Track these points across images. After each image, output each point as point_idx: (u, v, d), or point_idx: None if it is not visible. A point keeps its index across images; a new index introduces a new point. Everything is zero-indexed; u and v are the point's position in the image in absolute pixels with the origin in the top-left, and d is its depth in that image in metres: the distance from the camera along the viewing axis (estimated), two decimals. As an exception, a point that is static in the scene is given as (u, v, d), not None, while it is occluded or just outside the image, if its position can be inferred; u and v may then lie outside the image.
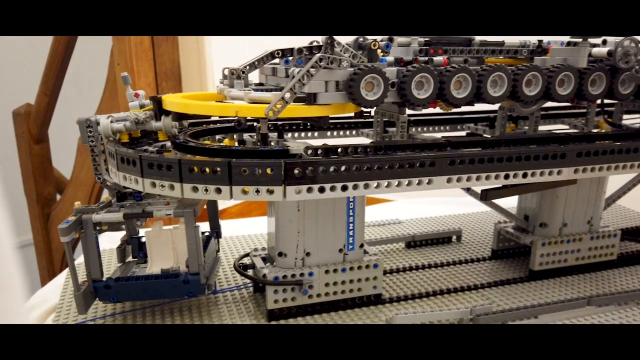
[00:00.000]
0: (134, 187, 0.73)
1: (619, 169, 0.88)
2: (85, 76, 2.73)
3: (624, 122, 1.05)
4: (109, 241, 1.22)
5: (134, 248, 0.94)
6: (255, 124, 0.85)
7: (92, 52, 2.47)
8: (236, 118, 0.74)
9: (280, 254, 0.88)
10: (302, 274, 0.87)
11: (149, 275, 0.85)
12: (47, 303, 1.04)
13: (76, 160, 2.32)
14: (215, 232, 1.01)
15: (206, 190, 0.68)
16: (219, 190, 0.68)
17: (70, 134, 2.34)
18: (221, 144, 0.92)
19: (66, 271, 1.11)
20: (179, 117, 0.80)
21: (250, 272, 0.96)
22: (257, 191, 0.68)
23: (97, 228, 0.82)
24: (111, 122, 0.79)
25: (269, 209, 0.92)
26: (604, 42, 0.87)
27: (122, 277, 0.85)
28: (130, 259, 0.96)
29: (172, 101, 0.79)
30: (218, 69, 2.26)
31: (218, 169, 0.67)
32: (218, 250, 1.02)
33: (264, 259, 0.95)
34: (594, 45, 0.88)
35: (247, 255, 1.00)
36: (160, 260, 0.89)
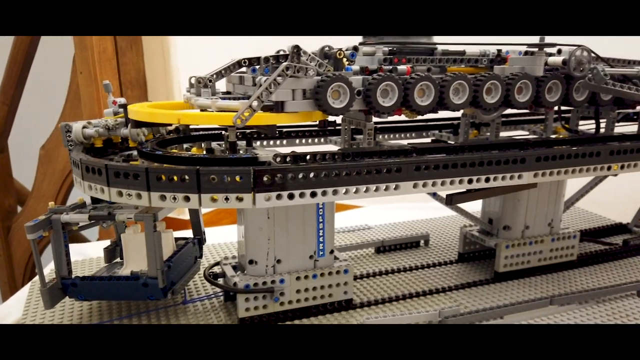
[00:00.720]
0: (100, 196, 0.71)
1: (576, 172, 0.92)
2: (46, 85, 2.66)
3: (580, 127, 1.10)
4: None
5: (121, 250, 0.95)
6: (223, 132, 0.85)
7: (54, 60, 2.41)
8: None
9: (250, 262, 0.88)
10: (273, 281, 0.87)
11: (112, 276, 0.86)
12: (10, 317, 1.00)
13: (38, 171, 2.25)
14: (198, 238, 1.02)
15: (174, 198, 0.67)
16: (187, 199, 0.67)
17: (31, 144, 2.27)
18: (189, 152, 0.92)
19: (28, 285, 1.08)
20: (137, 124, 0.82)
21: (220, 280, 0.95)
22: (227, 199, 0.68)
23: (68, 228, 0.83)
24: (84, 127, 0.82)
25: (238, 217, 0.92)
26: (559, 52, 0.91)
27: (89, 277, 0.86)
28: (118, 259, 0.98)
29: (133, 110, 0.80)
30: (184, 77, 2.25)
31: (186, 177, 0.67)
32: (200, 257, 1.03)
33: (235, 267, 0.94)
34: (550, 55, 0.92)
35: (217, 264, 0.99)
36: (134, 262, 0.89)
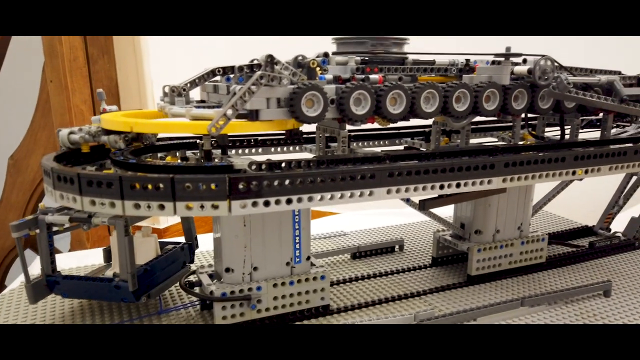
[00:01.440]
0: (72, 205, 0.71)
1: (542, 177, 0.95)
2: (15, 94, 2.60)
3: (546, 134, 1.14)
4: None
5: None
6: (198, 141, 0.86)
7: (23, 69, 2.36)
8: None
9: (227, 270, 0.88)
10: (250, 289, 0.87)
11: (91, 276, 0.90)
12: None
13: (6, 181, 2.20)
14: (189, 244, 1.03)
15: (149, 206, 0.67)
16: (161, 207, 0.67)
17: (-1, 154, 2.20)
18: (163, 161, 0.92)
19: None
20: (107, 132, 0.83)
21: (197, 289, 0.95)
22: (202, 206, 0.68)
23: (54, 228, 0.87)
24: (70, 133, 0.83)
25: (214, 225, 0.92)
26: (524, 61, 0.95)
27: (69, 276, 0.90)
28: None
29: (104, 119, 0.82)
30: (157, 86, 2.23)
31: (161, 185, 0.67)
32: (191, 262, 1.04)
33: (211, 276, 0.94)
34: (516, 64, 0.95)
35: (193, 272, 0.99)
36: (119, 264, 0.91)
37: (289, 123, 0.81)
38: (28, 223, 0.83)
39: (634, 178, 1.39)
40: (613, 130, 1.14)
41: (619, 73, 1.11)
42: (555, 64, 0.92)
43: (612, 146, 1.01)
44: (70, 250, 1.98)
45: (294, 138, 0.80)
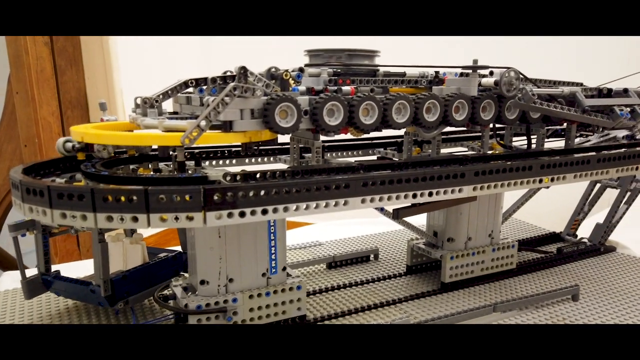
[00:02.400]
0: (42, 219, 0.69)
1: (511, 185, 0.98)
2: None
3: (513, 143, 1.17)
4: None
5: None
6: (172, 152, 0.85)
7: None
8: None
9: (202, 282, 0.87)
10: (225, 301, 0.87)
11: (75, 279, 0.96)
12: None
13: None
14: (183, 253, 1.04)
15: (122, 219, 0.66)
16: (135, 219, 0.66)
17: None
18: (136, 173, 0.90)
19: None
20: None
21: (171, 302, 0.93)
22: (176, 218, 0.68)
23: (48, 230, 0.94)
24: (66, 141, 0.84)
25: (188, 237, 0.91)
26: (491, 73, 0.98)
27: (60, 277, 0.97)
28: None
29: (73, 130, 0.81)
30: (128, 97, 2.21)
31: (134, 197, 0.66)
32: (185, 271, 1.03)
33: (185, 289, 0.93)
34: (483, 76, 0.98)
35: (167, 286, 0.97)
36: (112, 268, 0.94)
37: (264, 134, 0.81)
38: (26, 224, 0.90)
39: (598, 185, 1.44)
40: (577, 140, 1.19)
41: (581, 84, 1.15)
42: (521, 75, 0.95)
43: (576, 155, 1.05)
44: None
45: (248, 151, 0.80)
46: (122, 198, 0.65)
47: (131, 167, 0.93)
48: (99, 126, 0.87)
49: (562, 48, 2.18)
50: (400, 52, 1.02)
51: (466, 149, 1.27)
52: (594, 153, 1.07)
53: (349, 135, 0.91)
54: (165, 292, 0.96)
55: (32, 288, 0.96)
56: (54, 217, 0.67)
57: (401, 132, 1.00)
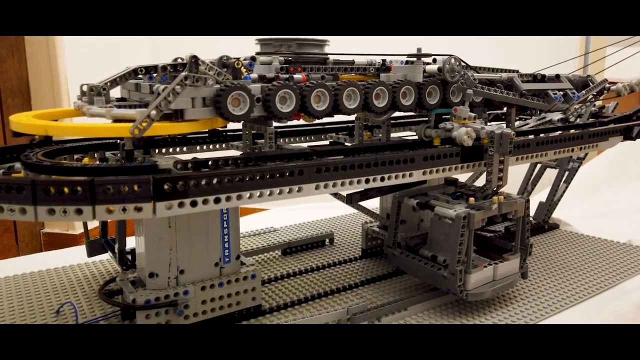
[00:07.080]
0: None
1: (458, 169, 1.01)
2: None
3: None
4: None
5: None
6: (118, 140, 0.83)
7: None
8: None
9: (151, 275, 0.85)
10: (176, 294, 0.85)
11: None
12: None
13: None
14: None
15: (64, 212, 0.63)
16: (79, 211, 0.64)
17: None
18: (80, 162, 0.87)
19: None
20: (17, 135, 0.78)
21: (118, 298, 0.91)
22: (124, 209, 0.66)
23: None
24: None
25: (136, 228, 0.89)
26: (434, 61, 1.01)
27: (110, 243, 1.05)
28: None
29: (12, 120, 0.76)
30: (73, 84, 2.12)
31: (79, 188, 0.63)
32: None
33: (133, 282, 0.90)
34: (427, 64, 1.01)
35: (113, 280, 0.95)
36: None
37: (216, 122, 0.80)
38: None
39: (539, 166, 1.52)
40: (516, 123, 1.24)
41: (517, 71, 1.21)
42: (462, 62, 0.99)
43: (516, 138, 1.09)
44: None
45: (214, 137, 0.79)
46: (66, 189, 0.63)
47: (75, 156, 0.90)
48: (40, 114, 0.83)
49: (494, 41, 2.29)
50: (348, 41, 1.04)
51: (414, 133, 1.30)
52: (532, 137, 1.13)
53: (301, 121, 0.92)
54: (111, 286, 0.93)
55: (93, 248, 1.06)
56: (-10, 212, 0.64)
57: (352, 117, 1.01)
